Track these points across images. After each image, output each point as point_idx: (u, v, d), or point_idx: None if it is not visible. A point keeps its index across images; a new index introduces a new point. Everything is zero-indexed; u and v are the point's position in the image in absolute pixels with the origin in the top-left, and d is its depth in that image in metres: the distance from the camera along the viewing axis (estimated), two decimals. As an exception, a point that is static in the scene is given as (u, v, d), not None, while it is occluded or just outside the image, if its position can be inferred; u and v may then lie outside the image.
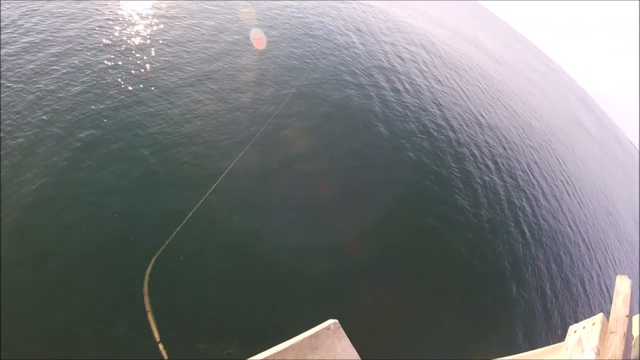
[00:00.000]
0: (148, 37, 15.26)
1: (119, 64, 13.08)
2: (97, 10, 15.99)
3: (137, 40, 14.78)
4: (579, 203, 23.38)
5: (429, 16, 48.40)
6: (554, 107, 51.47)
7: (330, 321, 2.40)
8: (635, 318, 2.73)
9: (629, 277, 2.57)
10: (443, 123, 19.21)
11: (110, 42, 14.08)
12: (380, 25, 30.93)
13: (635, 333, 2.64)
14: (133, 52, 14.00)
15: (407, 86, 21.24)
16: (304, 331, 2.32)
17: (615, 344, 2.07)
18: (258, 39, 19.20)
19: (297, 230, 10.35)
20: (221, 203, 9.89)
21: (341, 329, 2.39)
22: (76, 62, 12.54)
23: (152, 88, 12.60)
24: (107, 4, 16.64)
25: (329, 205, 11.56)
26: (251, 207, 10.30)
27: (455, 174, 15.83)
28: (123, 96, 11.81)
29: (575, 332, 2.60)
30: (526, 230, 15.68)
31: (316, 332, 2.29)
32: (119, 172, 9.60)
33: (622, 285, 2.40)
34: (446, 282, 11.35)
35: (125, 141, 10.41)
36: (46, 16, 14.52)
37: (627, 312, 2.21)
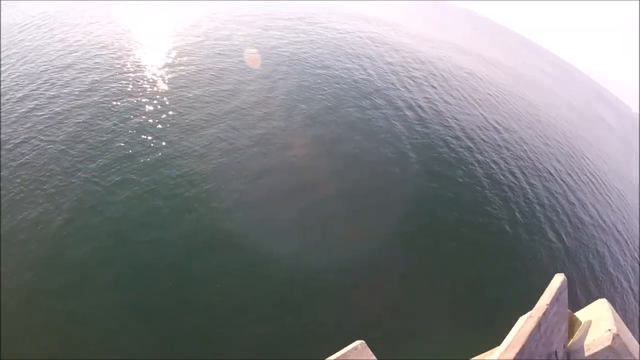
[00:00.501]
0: (167, 83, 16.14)
1: (144, 111, 13.89)
2: (116, 62, 17.13)
3: (158, 87, 15.67)
4: (609, 196, 22.76)
5: (428, 34, 49.06)
6: (567, 104, 50.69)
7: (357, 342, 2.54)
8: (597, 303, 3.10)
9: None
10: (461, 134, 19.32)
11: (133, 90, 15.01)
12: (387, 49, 31.57)
13: (591, 317, 2.95)
14: (156, 98, 14.84)
15: (422, 104, 21.54)
16: (332, 353, 2.42)
17: (526, 326, 2.50)
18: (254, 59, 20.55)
19: (326, 251, 10.49)
20: (250, 231, 10.26)
21: (368, 348, 2.51)
22: (102, 109, 13.45)
23: (177, 132, 13.25)
24: (128, 56, 17.86)
25: (355, 223, 11.72)
26: (276, 231, 10.62)
27: (483, 183, 15.86)
28: (150, 141, 12.46)
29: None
30: (561, 233, 15.36)
31: (345, 353, 2.41)
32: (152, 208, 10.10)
33: (555, 281, 2.86)
34: (478, 298, 11.07)
35: (158, 183, 10.94)
36: (67, 69, 15.73)
37: (548, 301, 2.64)
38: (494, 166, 17.69)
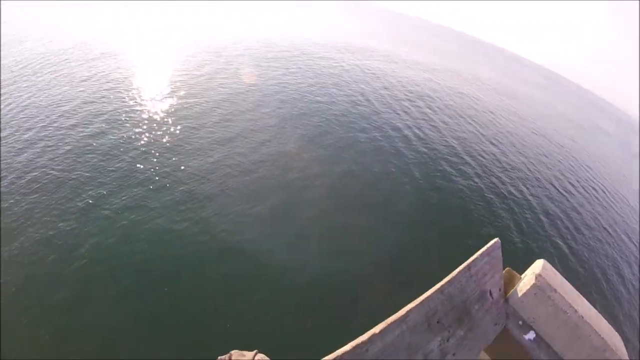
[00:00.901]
0: (173, 115, 16.72)
1: (151, 140, 14.36)
2: (123, 96, 17.77)
3: (164, 119, 16.21)
4: (611, 203, 22.90)
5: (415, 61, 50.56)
6: (561, 115, 51.46)
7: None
8: (535, 262, 3.46)
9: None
10: (461, 150, 19.87)
11: (140, 122, 15.53)
12: (381, 75, 32.73)
13: (528, 272, 3.36)
14: (163, 128, 15.36)
15: (422, 124, 22.28)
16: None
17: (458, 268, 2.93)
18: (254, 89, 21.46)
19: (327, 260, 10.70)
20: (256, 247, 10.53)
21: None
22: (111, 140, 13.90)
23: (184, 159, 13.64)
24: (135, 90, 18.57)
25: (356, 234, 11.95)
26: (280, 245, 10.86)
27: (487, 197, 16.28)
28: (159, 169, 12.87)
29: None
30: (568, 239, 15.61)
31: None
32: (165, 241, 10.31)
33: (489, 243, 3.27)
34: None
35: (169, 207, 11.26)
36: (79, 104, 16.31)
37: (479, 253, 3.10)
38: (495, 180, 18.13)
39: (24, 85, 17.63)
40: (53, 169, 11.92)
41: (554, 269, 3.35)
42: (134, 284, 8.84)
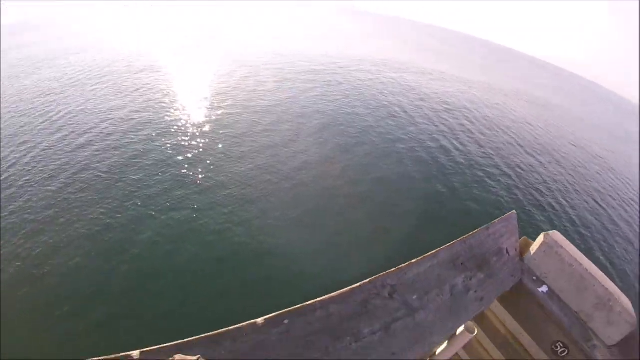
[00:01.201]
0: (213, 123, 17.29)
1: (193, 147, 14.81)
2: (165, 105, 18.49)
3: (205, 127, 16.76)
4: None
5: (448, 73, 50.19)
6: (593, 123, 49.52)
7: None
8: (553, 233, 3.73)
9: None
10: (502, 165, 19.55)
11: (182, 129, 16.12)
12: (418, 88, 32.68)
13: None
14: (205, 136, 15.88)
15: (460, 135, 22.01)
16: None
17: (478, 229, 3.30)
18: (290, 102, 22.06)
19: (358, 265, 10.59)
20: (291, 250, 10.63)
21: None
22: (155, 146, 14.49)
23: (226, 166, 14.01)
24: (177, 101, 19.35)
25: (387, 241, 11.86)
26: (313, 250, 10.93)
27: (526, 208, 16.01)
28: (201, 174, 13.28)
29: None
30: (610, 256, 14.98)
31: None
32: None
33: (507, 214, 3.68)
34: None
35: (213, 209, 11.54)
36: (127, 112, 17.02)
37: (497, 220, 3.51)
38: (533, 192, 17.80)
39: (73, 95, 18.53)
40: (102, 171, 12.43)
41: (563, 237, 3.68)
42: (172, 282, 9.02)
